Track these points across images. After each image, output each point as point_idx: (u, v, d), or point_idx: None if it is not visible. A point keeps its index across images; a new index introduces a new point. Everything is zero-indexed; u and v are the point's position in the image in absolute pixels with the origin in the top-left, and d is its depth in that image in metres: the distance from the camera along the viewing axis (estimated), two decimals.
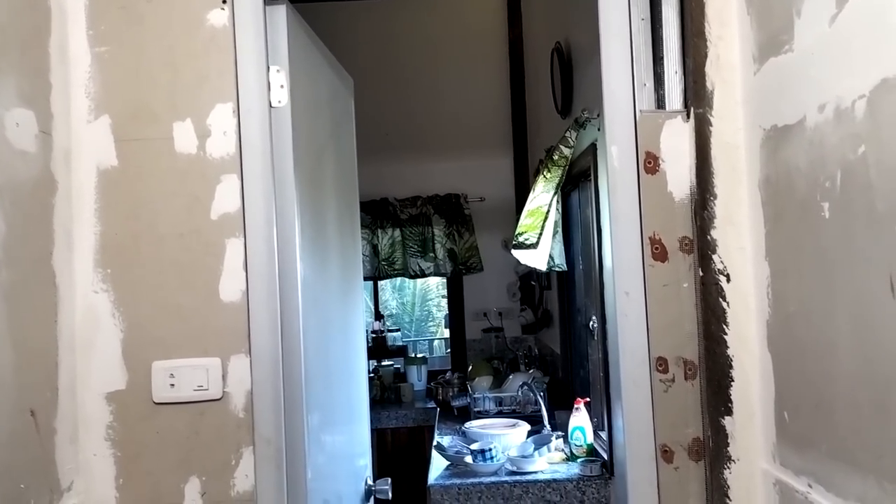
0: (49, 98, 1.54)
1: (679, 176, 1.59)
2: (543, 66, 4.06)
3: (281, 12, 1.71)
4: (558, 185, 3.09)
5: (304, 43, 1.89)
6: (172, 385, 1.60)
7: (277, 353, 1.64)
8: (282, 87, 1.69)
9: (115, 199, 1.62)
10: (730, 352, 1.52)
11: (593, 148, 2.93)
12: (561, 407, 3.49)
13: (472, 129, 5.16)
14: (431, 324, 11.42)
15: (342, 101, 2.34)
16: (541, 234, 3.15)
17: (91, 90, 1.62)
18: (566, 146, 3.03)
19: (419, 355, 5.22)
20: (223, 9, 1.62)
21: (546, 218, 3.12)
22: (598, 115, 2.79)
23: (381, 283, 5.77)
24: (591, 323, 3.14)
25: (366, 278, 4.98)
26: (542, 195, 3.18)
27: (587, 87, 3.16)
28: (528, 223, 3.30)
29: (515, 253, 3.50)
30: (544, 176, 3.17)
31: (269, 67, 1.67)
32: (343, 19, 4.86)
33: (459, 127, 5.13)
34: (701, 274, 1.54)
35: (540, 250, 3.27)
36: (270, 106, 1.67)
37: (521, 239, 3.32)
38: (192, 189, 1.61)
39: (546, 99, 4.02)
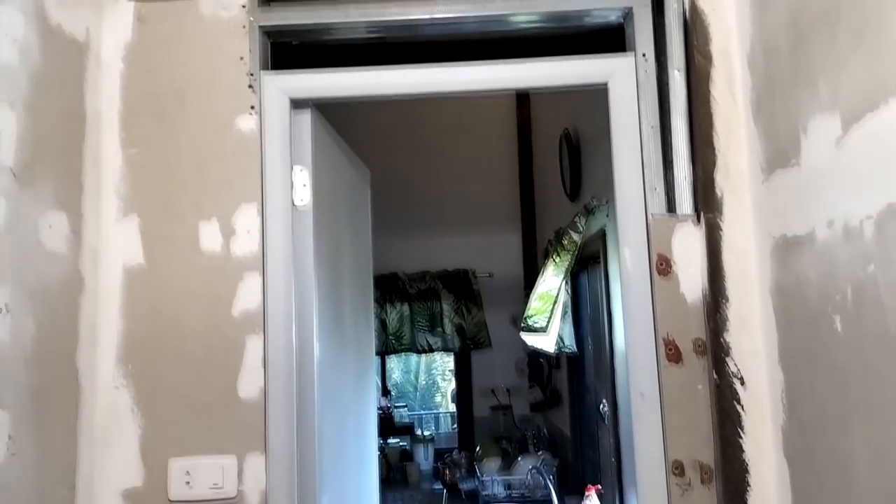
0: (81, 199, 1.60)
1: (691, 279, 1.62)
2: (551, 147, 4.16)
3: (306, 116, 1.78)
4: (568, 269, 3.13)
5: (326, 142, 1.96)
6: (188, 483, 1.60)
7: (293, 451, 1.65)
8: (304, 186, 1.75)
9: (140, 296, 1.66)
10: (746, 457, 1.52)
11: (602, 233, 2.98)
12: (571, 492, 3.44)
13: (480, 206, 5.24)
14: (436, 393, 11.32)
15: (360, 192, 2.40)
16: (550, 318, 3.18)
17: (121, 190, 1.68)
18: (576, 232, 3.08)
19: (426, 434, 5.17)
20: (251, 114, 1.69)
21: (556, 302, 3.15)
22: (607, 203, 2.86)
23: (387, 357, 5.75)
24: (602, 407, 3.13)
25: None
26: (552, 279, 3.22)
27: (596, 174, 3.23)
28: (537, 307, 3.33)
29: (524, 336, 3.52)
30: (554, 260, 3.21)
31: (292, 168, 1.73)
32: (358, 104, 5.00)
33: (468, 204, 5.22)
34: (716, 377, 1.56)
35: (549, 334, 3.29)
36: (293, 205, 1.73)
37: (530, 322, 3.35)
38: (215, 287, 1.65)
39: (554, 180, 4.10)
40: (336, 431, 1.95)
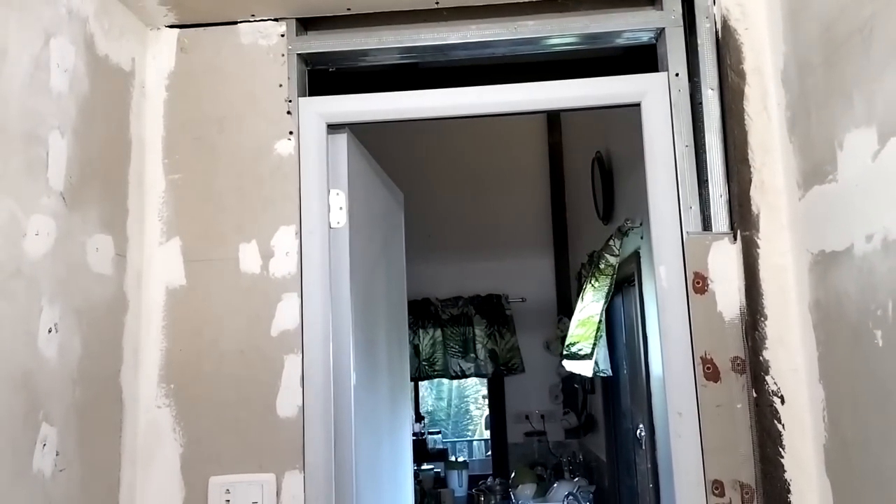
0: (126, 223, 1.65)
1: (728, 296, 1.61)
2: (583, 170, 4.17)
3: (342, 139, 1.82)
4: (608, 294, 3.11)
5: (361, 165, 1.99)
6: (228, 501, 1.62)
7: (330, 469, 1.66)
8: (341, 208, 1.78)
9: (182, 316, 1.69)
10: (787, 476, 1.50)
11: (637, 255, 2.97)
12: None
13: (513, 230, 5.26)
14: (469, 420, 11.26)
15: (394, 214, 2.43)
16: (595, 344, 3.16)
17: (164, 214, 1.73)
18: (611, 255, 3.07)
19: (459, 459, 5.14)
20: (290, 139, 1.73)
21: (599, 328, 3.13)
22: (641, 224, 2.85)
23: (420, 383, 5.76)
24: (639, 431, 3.10)
25: None
26: (593, 304, 3.21)
27: (629, 196, 3.23)
28: (580, 333, 3.31)
29: (567, 364, 3.50)
30: (592, 285, 3.20)
31: (329, 191, 1.77)
32: (392, 128, 5.07)
33: (500, 228, 5.23)
34: (755, 395, 1.54)
35: (594, 359, 3.27)
36: (330, 227, 1.76)
37: (574, 349, 3.33)
38: (254, 307, 1.68)
39: (587, 202, 4.10)
40: (372, 452, 1.96)
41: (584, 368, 3.37)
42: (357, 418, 1.77)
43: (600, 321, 3.18)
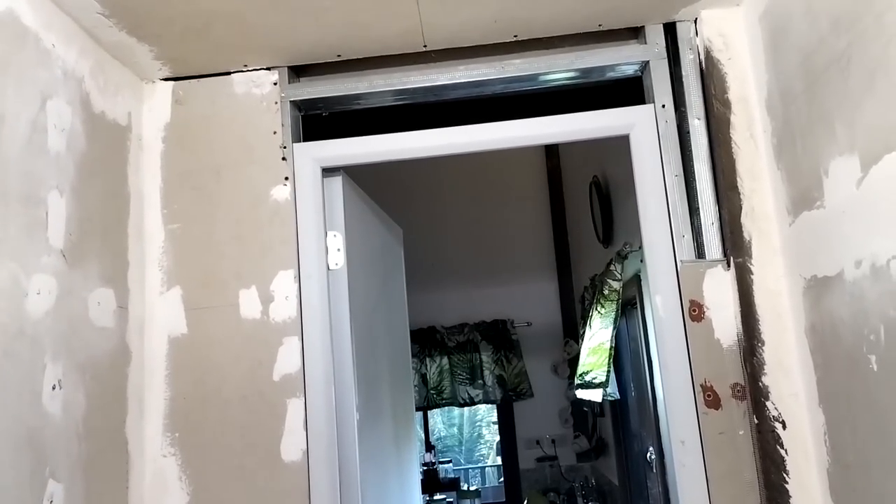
0: (126, 275, 1.67)
1: (725, 323, 1.62)
2: (582, 194, 4.19)
3: (337, 182, 1.84)
4: (616, 319, 3.11)
5: (358, 205, 2.02)
6: None
7: None
8: (338, 250, 1.81)
9: (184, 364, 1.71)
10: (793, 501, 1.50)
11: (638, 278, 2.98)
12: None
13: (515, 256, 5.27)
14: (481, 444, 11.19)
15: (392, 251, 2.45)
16: (608, 371, 3.15)
17: (164, 264, 1.75)
18: (614, 279, 3.08)
19: (472, 488, 5.11)
20: (285, 184, 1.76)
21: (610, 355, 3.13)
22: (640, 247, 2.86)
23: (430, 411, 5.74)
24: (649, 454, 3.08)
25: (415, 409, 4.98)
26: (602, 331, 3.21)
27: (627, 219, 3.24)
28: (592, 361, 3.30)
29: (580, 393, 3.49)
30: (599, 312, 3.20)
31: (326, 233, 1.79)
32: (390, 163, 5.11)
33: (503, 254, 5.24)
34: (756, 421, 1.55)
35: (609, 386, 3.26)
36: (328, 269, 1.78)
37: (587, 378, 3.32)
38: (255, 352, 1.70)
39: (587, 226, 4.12)
40: (379, 489, 1.96)
41: (595, 395, 3.36)
42: (362, 457, 1.77)
43: (611, 347, 3.18)
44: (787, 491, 1.50)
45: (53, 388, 1.37)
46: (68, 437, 1.41)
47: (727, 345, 1.62)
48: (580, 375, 3.51)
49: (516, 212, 5.32)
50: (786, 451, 1.52)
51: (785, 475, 1.51)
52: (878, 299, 1.19)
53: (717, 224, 1.66)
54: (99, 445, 1.50)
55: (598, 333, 3.29)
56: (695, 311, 1.64)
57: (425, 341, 5.10)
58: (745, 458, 1.57)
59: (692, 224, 1.69)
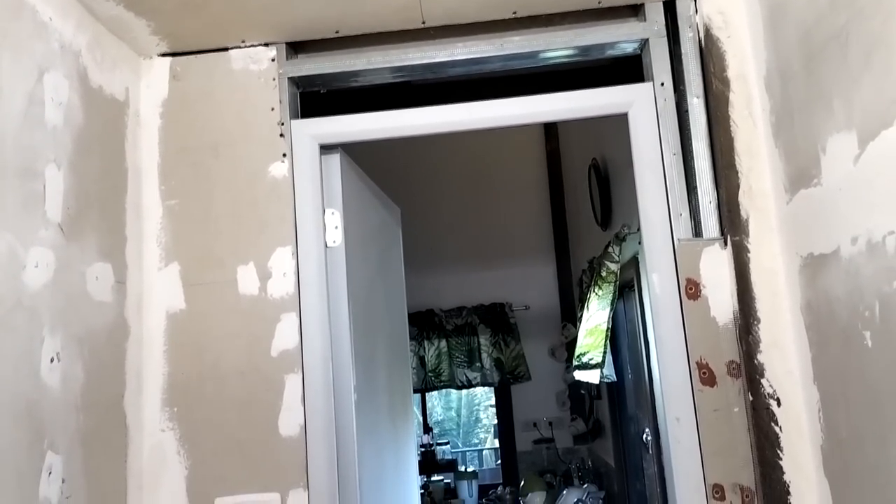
0: (124, 250, 1.67)
1: (721, 301, 1.63)
2: (581, 177, 4.19)
3: (335, 160, 1.84)
4: (613, 301, 3.12)
5: (356, 183, 2.02)
6: None
7: (334, 486, 1.67)
8: (336, 227, 1.81)
9: (183, 340, 1.71)
10: (786, 477, 1.51)
11: (636, 260, 2.98)
12: None
13: (514, 239, 5.27)
14: (479, 428, 11.25)
15: (391, 230, 2.46)
16: (605, 352, 3.16)
17: (162, 240, 1.75)
18: (611, 261, 3.09)
19: (469, 469, 5.14)
20: (283, 161, 1.76)
21: (607, 336, 3.14)
22: (638, 230, 2.86)
23: (428, 394, 5.76)
24: (645, 436, 3.10)
25: (413, 391, 5.00)
26: (599, 313, 3.22)
27: (625, 201, 3.25)
28: (588, 342, 3.32)
29: (578, 374, 3.51)
30: (596, 293, 3.21)
31: (324, 211, 1.79)
32: (390, 143, 5.10)
33: (502, 237, 5.25)
34: (751, 398, 1.56)
35: (606, 367, 3.28)
36: (326, 246, 1.78)
37: (584, 360, 3.33)
38: (253, 329, 1.71)
39: (586, 209, 4.12)
40: (376, 467, 1.98)
41: (592, 377, 3.38)
42: (359, 434, 1.78)
43: (608, 329, 3.20)
44: (781, 467, 1.52)
45: (52, 360, 1.37)
46: (67, 409, 1.41)
47: (723, 323, 1.63)
48: (577, 357, 3.52)
49: (515, 195, 5.32)
50: (780, 427, 1.53)
51: (779, 451, 1.52)
52: (874, 275, 1.20)
53: (714, 202, 1.66)
54: (97, 419, 1.51)
55: (596, 315, 3.30)
56: (691, 290, 1.65)
57: (424, 324, 5.11)
58: (739, 434, 1.58)
59: (690, 202, 1.70)
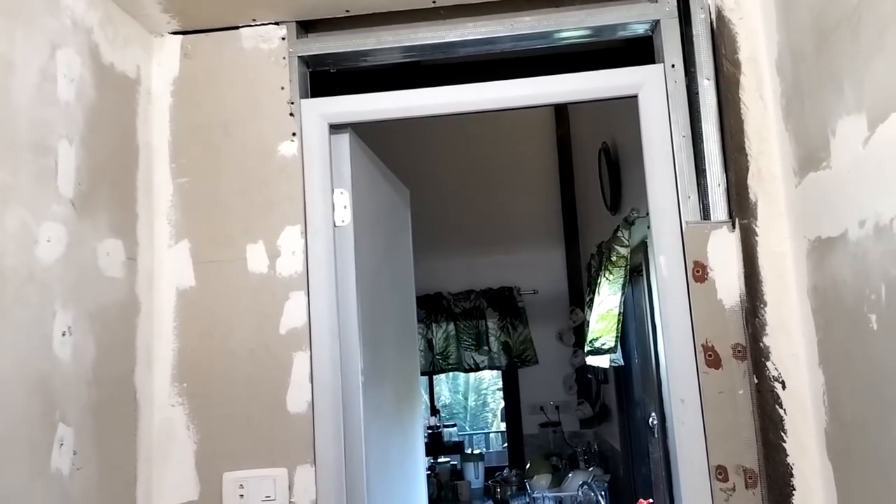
0: (135, 227, 1.69)
1: (728, 284, 1.63)
2: (591, 161, 4.18)
3: (344, 139, 1.85)
4: (624, 285, 3.13)
5: (365, 163, 2.02)
6: (242, 496, 1.66)
7: (341, 463, 1.70)
8: (345, 207, 1.82)
9: (192, 316, 1.73)
10: (790, 460, 1.52)
11: (644, 245, 2.98)
12: None
13: (523, 223, 5.27)
14: (486, 412, 11.29)
15: (400, 211, 2.46)
16: (617, 336, 3.17)
17: (173, 217, 1.77)
18: (621, 246, 3.09)
19: (476, 451, 5.18)
20: (293, 140, 1.77)
21: (619, 321, 3.15)
22: (647, 214, 2.86)
23: (435, 376, 5.80)
24: (651, 420, 3.12)
25: (421, 373, 5.03)
26: (610, 297, 3.22)
27: (635, 185, 3.24)
28: (601, 327, 3.33)
29: (590, 360, 3.52)
30: (607, 278, 3.22)
31: (333, 190, 1.80)
32: (399, 125, 5.10)
33: (511, 221, 5.25)
34: (756, 381, 1.56)
35: (618, 352, 3.29)
36: (335, 226, 1.79)
37: (597, 344, 3.34)
38: (262, 306, 1.72)
39: (595, 193, 4.11)
40: (382, 445, 2.00)
41: (605, 361, 3.39)
42: (366, 412, 1.80)
43: (620, 313, 3.20)
44: (785, 449, 1.52)
45: (63, 334, 1.39)
46: (78, 382, 1.44)
47: (729, 305, 1.63)
48: (590, 342, 3.53)
49: (525, 179, 5.31)
50: (784, 410, 1.54)
51: (783, 434, 1.53)
52: (881, 258, 1.20)
53: (723, 185, 1.66)
54: (108, 392, 1.53)
55: (607, 300, 3.31)
56: (698, 272, 1.65)
57: (432, 307, 5.13)
58: (743, 417, 1.59)
59: (699, 185, 1.69)
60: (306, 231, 1.75)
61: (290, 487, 1.67)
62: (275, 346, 1.71)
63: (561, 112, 5.25)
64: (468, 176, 5.28)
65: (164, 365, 1.72)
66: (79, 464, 1.41)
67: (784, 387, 1.54)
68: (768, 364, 1.56)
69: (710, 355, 1.61)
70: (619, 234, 3.13)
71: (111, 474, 1.53)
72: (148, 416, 1.68)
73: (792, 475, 1.51)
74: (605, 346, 3.32)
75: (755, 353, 1.57)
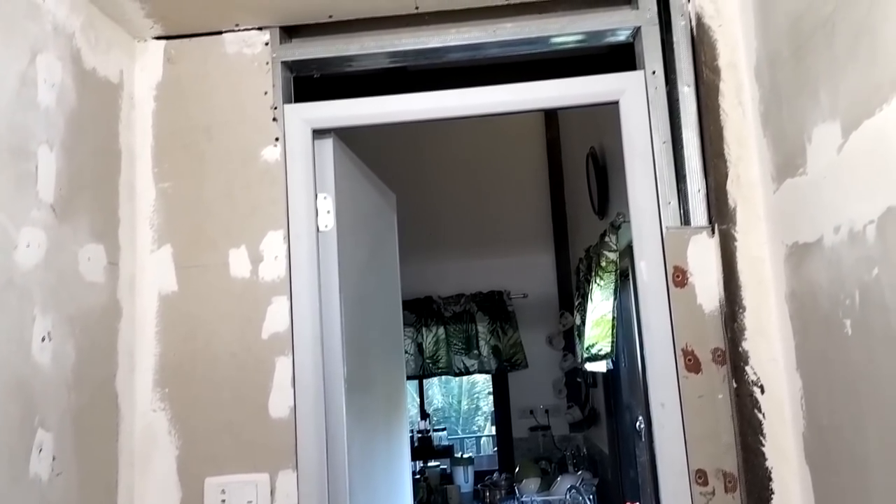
0: (117, 232, 1.69)
1: (708, 289, 1.64)
2: (580, 166, 4.19)
3: (328, 144, 1.85)
4: (615, 290, 3.14)
5: (349, 168, 2.03)
6: (224, 501, 1.66)
7: (323, 468, 1.70)
8: (328, 212, 1.82)
9: (175, 321, 1.73)
10: (768, 464, 1.53)
11: (630, 249, 2.99)
12: None
13: (513, 227, 5.28)
14: (479, 416, 11.29)
15: (385, 216, 2.47)
16: (613, 341, 3.18)
17: (155, 222, 1.77)
18: (610, 251, 3.10)
19: (465, 455, 5.18)
20: (276, 145, 1.77)
21: (613, 325, 3.16)
22: None
23: (426, 380, 5.79)
24: (638, 424, 3.12)
25: (411, 377, 5.04)
26: (603, 303, 3.23)
27: (621, 190, 3.24)
28: (596, 334, 3.34)
29: (588, 366, 3.53)
30: (598, 284, 3.23)
31: (316, 195, 1.80)
32: (388, 129, 5.10)
33: (501, 224, 5.26)
34: (735, 385, 1.57)
35: (615, 357, 3.30)
36: (318, 230, 1.79)
37: (594, 351, 3.35)
38: (245, 311, 1.72)
39: (584, 198, 4.12)
40: (366, 451, 2.00)
41: (601, 366, 3.40)
42: (349, 417, 1.80)
43: (614, 318, 3.21)
44: (763, 453, 1.53)
45: (43, 339, 1.39)
46: (58, 387, 1.43)
47: (709, 310, 1.64)
48: (587, 349, 3.54)
49: (515, 183, 5.32)
50: (763, 414, 1.55)
51: (761, 438, 1.54)
52: (855, 264, 1.21)
53: (703, 191, 1.67)
54: (89, 397, 1.53)
55: (600, 305, 3.32)
56: (678, 277, 1.66)
57: (422, 311, 5.14)
58: (723, 421, 1.59)
59: (679, 191, 1.71)
60: (289, 236, 1.75)
61: (273, 493, 1.67)
62: (257, 350, 1.71)
63: (550, 116, 5.26)
64: (458, 179, 5.28)
65: (146, 370, 1.72)
66: (58, 469, 1.41)
67: (763, 391, 1.55)
68: (747, 368, 1.57)
69: (689, 359, 1.62)
70: (607, 238, 3.14)
71: (92, 480, 1.52)
72: (129, 421, 1.68)
73: (771, 479, 1.52)
74: (602, 352, 3.33)
75: (734, 358, 1.58)
